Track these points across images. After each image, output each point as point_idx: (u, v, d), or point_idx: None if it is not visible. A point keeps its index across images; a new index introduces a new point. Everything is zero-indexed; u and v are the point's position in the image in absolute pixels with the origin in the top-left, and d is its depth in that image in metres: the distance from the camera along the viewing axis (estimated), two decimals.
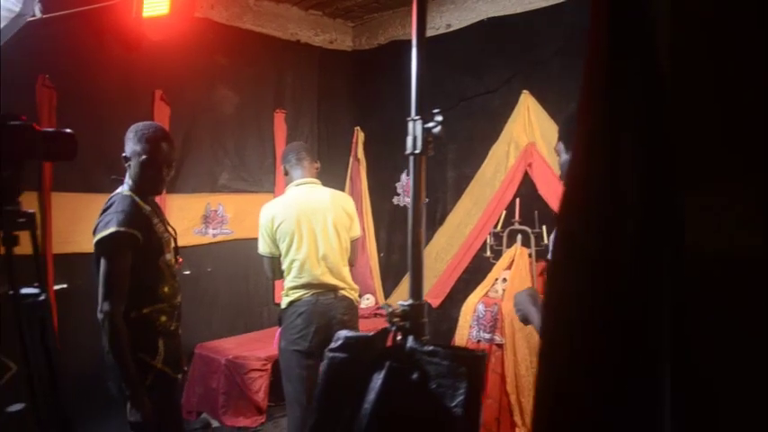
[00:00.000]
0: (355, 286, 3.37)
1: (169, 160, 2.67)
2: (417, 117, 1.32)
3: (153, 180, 2.62)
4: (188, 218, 4.86)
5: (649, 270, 0.63)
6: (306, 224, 3.21)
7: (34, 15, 3.09)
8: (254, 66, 5.39)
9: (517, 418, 3.99)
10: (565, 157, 1.92)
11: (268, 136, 5.49)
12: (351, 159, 6.03)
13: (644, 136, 0.62)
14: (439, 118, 1.30)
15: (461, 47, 5.00)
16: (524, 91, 4.56)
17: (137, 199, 2.57)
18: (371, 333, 1.40)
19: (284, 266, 3.26)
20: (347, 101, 6.11)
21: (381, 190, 5.84)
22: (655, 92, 0.61)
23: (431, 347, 1.31)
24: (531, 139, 4.56)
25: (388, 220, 5.79)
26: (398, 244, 5.78)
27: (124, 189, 2.61)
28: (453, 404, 1.26)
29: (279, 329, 3.36)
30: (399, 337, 1.36)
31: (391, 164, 5.69)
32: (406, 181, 5.61)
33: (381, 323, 5.60)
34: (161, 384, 2.57)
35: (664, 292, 0.62)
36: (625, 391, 0.67)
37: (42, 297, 1.75)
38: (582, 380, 0.70)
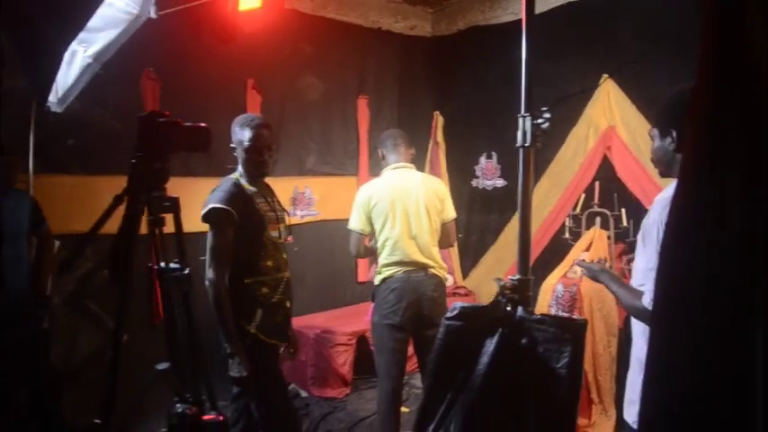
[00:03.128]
0: (444, 265, 3.52)
1: (269, 144, 2.94)
2: (527, 114, 1.49)
3: (256, 163, 2.89)
4: None
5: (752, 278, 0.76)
6: (399, 205, 3.38)
7: (150, 15, 3.37)
8: (338, 53, 5.58)
9: (594, 396, 4.06)
10: (658, 143, 2.02)
11: (352, 121, 5.71)
12: (430, 143, 6.15)
13: (747, 148, 0.76)
14: (547, 115, 1.46)
15: (541, 32, 5.01)
16: (604, 75, 4.59)
17: (241, 181, 2.89)
18: (485, 304, 1.58)
19: (378, 244, 3.45)
20: (427, 86, 6.23)
21: (460, 173, 5.95)
22: (757, 109, 0.76)
23: (538, 316, 1.49)
24: (610, 123, 4.60)
25: (466, 202, 5.86)
26: (477, 225, 5.87)
27: (233, 174, 2.93)
28: (558, 366, 1.44)
29: (372, 305, 3.54)
30: (510, 308, 1.54)
31: (470, 147, 5.79)
32: (485, 164, 5.72)
33: (460, 301, 5.76)
34: (257, 348, 2.83)
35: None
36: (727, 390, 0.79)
37: (186, 271, 2.00)
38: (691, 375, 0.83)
